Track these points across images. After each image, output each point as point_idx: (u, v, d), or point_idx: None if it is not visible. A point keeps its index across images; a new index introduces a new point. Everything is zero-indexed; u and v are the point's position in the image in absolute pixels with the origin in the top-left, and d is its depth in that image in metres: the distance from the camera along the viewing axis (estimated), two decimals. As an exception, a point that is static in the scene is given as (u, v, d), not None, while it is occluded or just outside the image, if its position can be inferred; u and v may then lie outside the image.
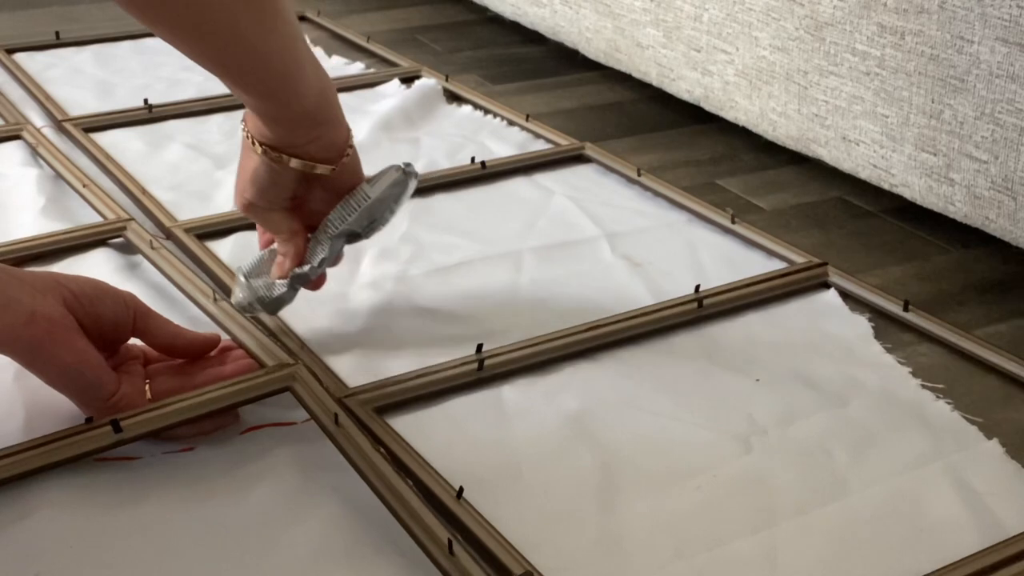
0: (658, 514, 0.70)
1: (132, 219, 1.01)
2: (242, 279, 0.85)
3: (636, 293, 0.94)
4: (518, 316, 0.90)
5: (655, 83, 1.32)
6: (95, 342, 0.73)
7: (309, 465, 0.73)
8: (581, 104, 1.38)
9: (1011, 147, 0.92)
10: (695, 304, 0.90)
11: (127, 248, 0.98)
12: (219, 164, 1.15)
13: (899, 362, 0.86)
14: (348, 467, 0.71)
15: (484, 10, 1.67)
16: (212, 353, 0.80)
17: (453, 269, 0.97)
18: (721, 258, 1.00)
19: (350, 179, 0.84)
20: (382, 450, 0.72)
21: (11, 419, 0.76)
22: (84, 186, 1.07)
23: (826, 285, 0.96)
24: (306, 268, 0.84)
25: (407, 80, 1.38)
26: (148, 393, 0.75)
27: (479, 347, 0.83)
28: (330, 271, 0.90)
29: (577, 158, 1.19)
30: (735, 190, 1.15)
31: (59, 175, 1.11)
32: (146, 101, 1.27)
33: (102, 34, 1.51)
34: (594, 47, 1.40)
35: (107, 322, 0.74)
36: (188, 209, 1.05)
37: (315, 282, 0.86)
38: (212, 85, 1.30)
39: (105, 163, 1.13)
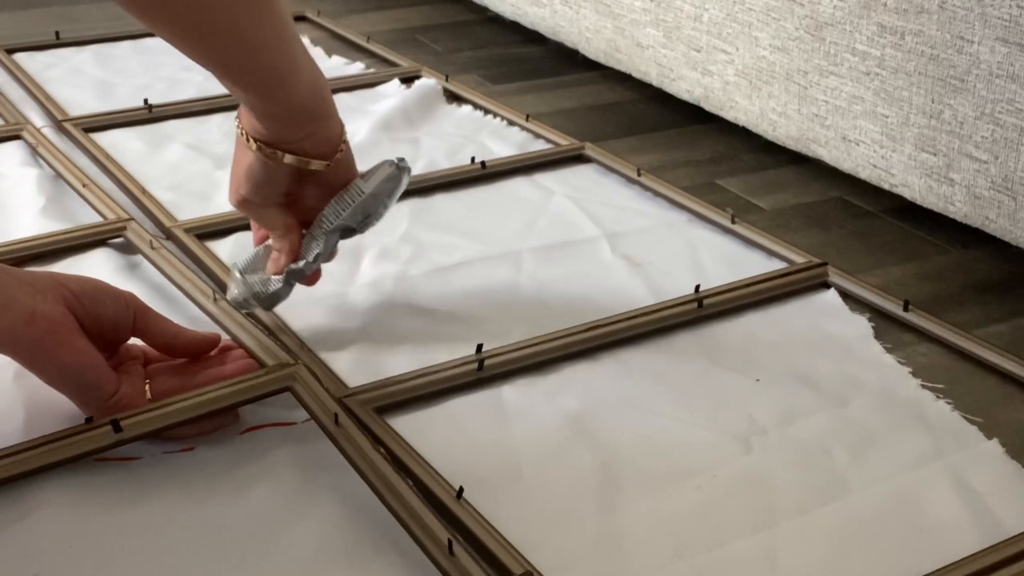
0: (658, 514, 0.70)
1: (132, 219, 1.01)
2: (237, 275, 0.86)
3: (636, 293, 0.94)
4: (518, 316, 0.90)
5: (655, 83, 1.32)
6: (95, 342, 0.73)
7: (309, 465, 0.73)
8: (581, 104, 1.38)
9: (1011, 147, 0.92)
10: (695, 304, 0.90)
11: (127, 248, 0.98)
12: (219, 164, 1.15)
13: (899, 362, 0.86)
14: (348, 467, 0.71)
15: (484, 10, 1.67)
16: (212, 353, 0.80)
17: (453, 269, 0.97)
18: (721, 258, 1.00)
19: (344, 175, 0.84)
20: (382, 450, 0.72)
21: (11, 419, 0.76)
22: (84, 186, 1.07)
23: (826, 285, 0.96)
24: (301, 264, 0.84)
25: (407, 80, 1.38)
26: (148, 393, 0.75)
27: (479, 347, 0.83)
28: (330, 271, 0.90)
29: (577, 158, 1.19)
30: (735, 190, 1.15)
31: (59, 175, 1.11)
32: (146, 101, 1.27)
33: (102, 34, 1.51)
34: (594, 47, 1.40)
35: (107, 322, 0.74)
36: (188, 209, 1.05)
37: (310, 277, 0.86)
38: (212, 85, 1.30)
39: (105, 163, 1.13)
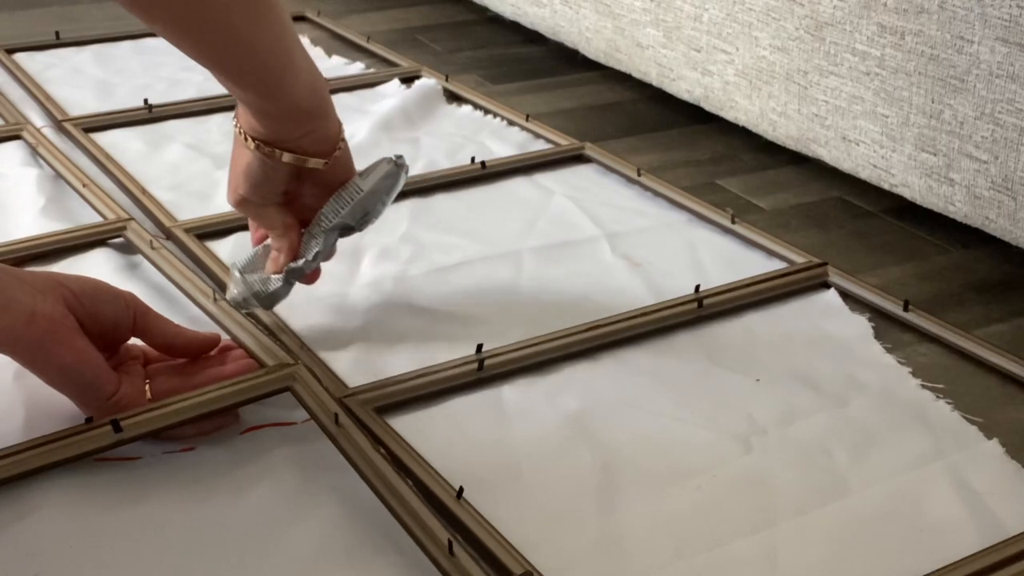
0: (658, 514, 0.70)
1: (132, 219, 1.01)
2: (237, 274, 0.86)
3: (636, 293, 0.94)
4: (518, 316, 0.90)
5: (655, 83, 1.32)
6: (95, 342, 0.73)
7: (309, 465, 0.73)
8: (581, 104, 1.38)
9: (1011, 147, 0.92)
10: (695, 304, 0.90)
11: (127, 248, 0.98)
12: (219, 164, 1.14)
13: (899, 362, 0.86)
14: (348, 467, 0.71)
15: (484, 10, 1.67)
16: (212, 353, 0.80)
17: (453, 269, 0.97)
18: (721, 258, 1.00)
19: (342, 173, 0.84)
20: (382, 450, 0.72)
21: (11, 419, 0.76)
22: (84, 186, 1.07)
23: (826, 285, 0.96)
24: (300, 262, 0.84)
25: (407, 80, 1.38)
26: (148, 393, 0.75)
27: (479, 347, 0.83)
28: (330, 271, 0.90)
29: (577, 158, 1.19)
30: (735, 190, 1.15)
31: (59, 175, 1.11)
32: (146, 101, 1.27)
33: (102, 34, 1.51)
34: (594, 47, 1.40)
35: (107, 322, 0.74)
36: (188, 209, 1.05)
37: (310, 276, 0.86)
38: (212, 85, 1.30)
39: (105, 163, 1.13)
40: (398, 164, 0.86)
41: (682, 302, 0.90)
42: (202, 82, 1.33)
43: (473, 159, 1.15)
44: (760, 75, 1.16)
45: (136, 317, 0.76)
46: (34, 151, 1.16)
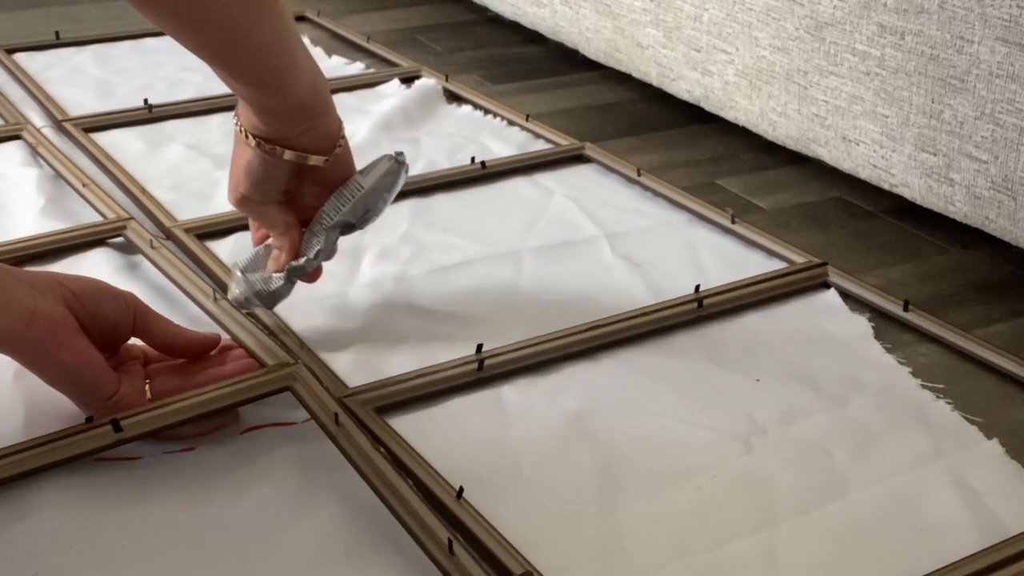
0: (658, 514, 0.70)
1: (132, 219, 1.01)
2: (239, 274, 0.85)
3: (636, 293, 0.94)
4: (518, 316, 0.90)
5: (655, 83, 1.32)
6: (95, 342, 0.73)
7: (309, 465, 0.73)
8: (581, 104, 1.38)
9: (1011, 147, 0.92)
10: (695, 304, 0.90)
11: (127, 248, 0.98)
12: (219, 164, 1.15)
13: (899, 362, 0.86)
14: (348, 467, 0.71)
15: (484, 10, 1.67)
16: (212, 353, 0.80)
17: (453, 269, 0.97)
18: (721, 258, 1.00)
19: (343, 171, 0.85)
20: (382, 450, 0.72)
21: (11, 419, 0.76)
22: (84, 186, 1.07)
23: (826, 285, 0.96)
24: (302, 260, 0.84)
25: (407, 80, 1.38)
26: (148, 393, 0.75)
27: (479, 347, 0.83)
28: (330, 271, 0.90)
29: (577, 158, 1.19)
30: (735, 190, 1.15)
31: (59, 175, 1.11)
32: (146, 101, 1.27)
33: (102, 34, 1.51)
34: (594, 47, 1.40)
35: (107, 322, 0.74)
36: (188, 209, 1.05)
37: (311, 275, 0.86)
38: (212, 85, 1.30)
39: (105, 163, 1.13)
40: (399, 161, 0.86)
41: (682, 302, 0.90)
42: (202, 82, 1.33)
43: (473, 159, 1.15)
44: (760, 75, 1.16)
45: (136, 317, 0.76)
46: (34, 151, 1.16)
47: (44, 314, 0.70)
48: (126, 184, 1.09)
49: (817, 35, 1.08)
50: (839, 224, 1.09)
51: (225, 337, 0.83)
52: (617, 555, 0.67)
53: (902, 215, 1.09)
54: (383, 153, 0.87)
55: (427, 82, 1.36)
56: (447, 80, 1.37)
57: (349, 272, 0.95)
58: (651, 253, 1.00)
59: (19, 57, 1.43)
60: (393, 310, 0.91)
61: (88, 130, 1.21)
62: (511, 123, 1.26)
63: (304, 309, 0.89)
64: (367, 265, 0.97)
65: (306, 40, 1.46)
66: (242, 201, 0.84)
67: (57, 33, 1.49)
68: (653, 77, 1.32)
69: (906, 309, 0.91)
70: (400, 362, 0.83)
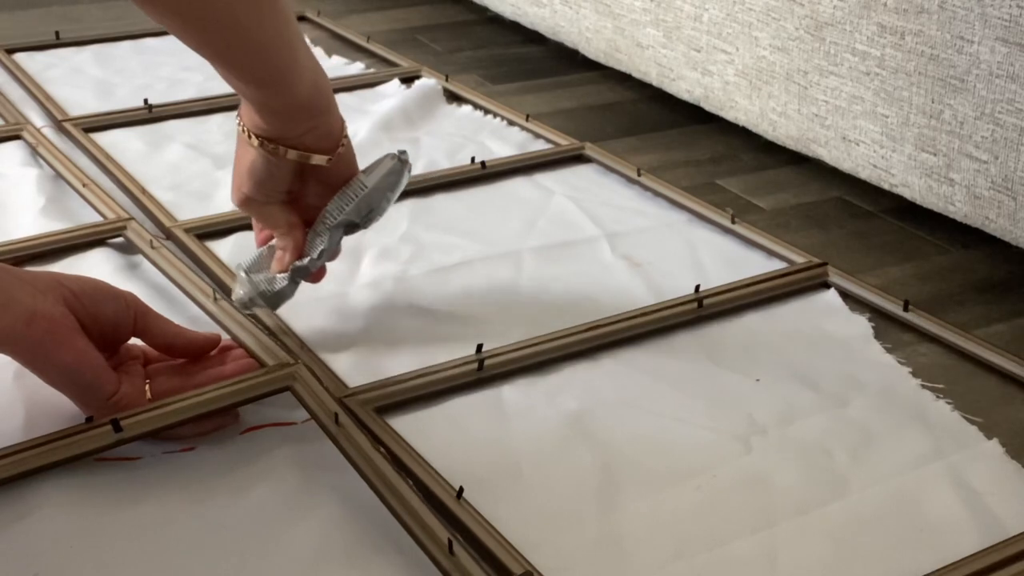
0: (658, 514, 0.70)
1: (132, 219, 1.01)
2: (242, 275, 0.85)
3: (636, 293, 0.94)
4: (518, 316, 0.90)
5: (655, 83, 1.32)
6: (95, 342, 0.73)
7: (309, 465, 0.73)
8: (581, 104, 1.38)
9: (1011, 147, 0.92)
10: (695, 304, 0.90)
11: (127, 248, 0.98)
12: (219, 164, 1.15)
13: (899, 362, 0.86)
14: (348, 467, 0.71)
15: (484, 10, 1.67)
16: (212, 353, 0.80)
17: (453, 269, 0.97)
18: (721, 258, 1.00)
19: (346, 171, 0.84)
20: (382, 450, 0.72)
21: (11, 419, 0.76)
22: (84, 186, 1.07)
23: (826, 285, 0.96)
24: (306, 261, 0.84)
25: (407, 80, 1.38)
26: (148, 393, 0.75)
27: (479, 347, 0.83)
28: (330, 271, 0.90)
29: (577, 158, 1.19)
30: (735, 190, 1.15)
31: (59, 175, 1.11)
32: (146, 101, 1.27)
33: (102, 34, 1.51)
34: (594, 47, 1.40)
35: (107, 322, 0.74)
36: (188, 209, 1.05)
37: (315, 275, 0.86)
38: (212, 85, 1.31)
39: (105, 163, 1.13)
40: (402, 160, 0.86)
41: (682, 302, 0.90)
42: (202, 82, 1.33)
43: (473, 159, 1.15)
44: (760, 75, 1.16)
45: (136, 317, 0.76)
46: (34, 151, 1.16)
47: (44, 314, 0.70)
48: (126, 184, 1.09)
49: (817, 35, 1.08)
50: (839, 224, 1.09)
51: (225, 337, 0.83)
52: (617, 555, 0.67)
53: (902, 215, 1.09)
54: (383, 153, 0.87)
55: (427, 82, 1.36)
56: (447, 80, 1.37)
57: (349, 272, 0.95)
58: (651, 253, 1.00)
59: (19, 57, 1.43)
60: (393, 310, 0.91)
61: (88, 130, 1.21)
62: (511, 123, 1.26)
63: (304, 309, 0.89)
64: (367, 265, 0.97)
65: (306, 40, 1.46)
66: (245, 202, 0.84)
67: (57, 33, 1.49)
68: (653, 77, 1.32)
69: (906, 309, 0.91)
70: (400, 362, 0.83)
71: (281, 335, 0.86)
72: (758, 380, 0.83)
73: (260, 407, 0.77)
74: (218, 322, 0.86)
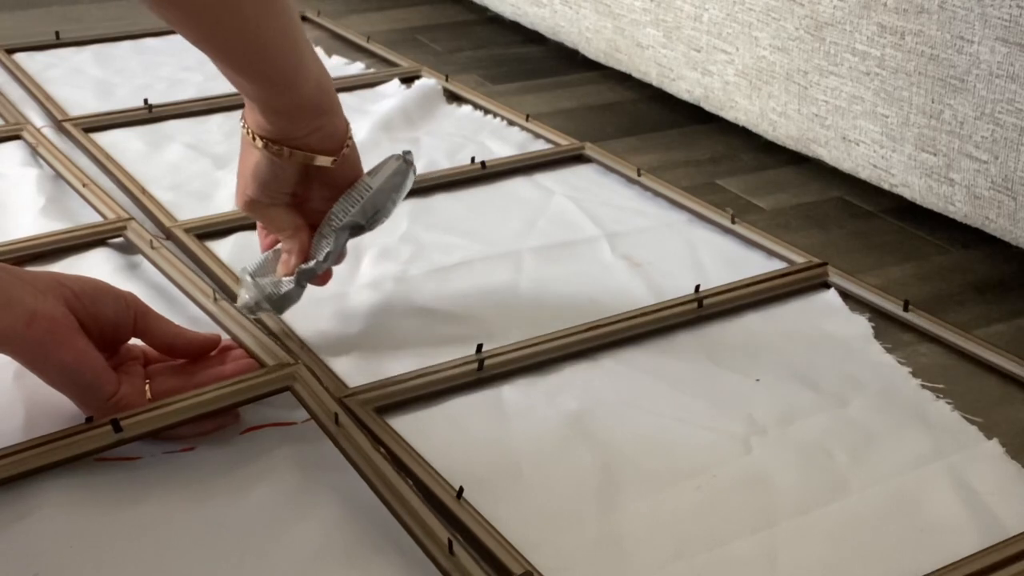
0: (658, 514, 0.70)
1: (132, 219, 1.01)
2: (248, 279, 0.85)
3: (636, 293, 0.94)
4: (518, 316, 0.90)
5: (655, 83, 1.32)
6: (96, 342, 0.73)
7: (309, 465, 0.73)
8: (581, 104, 1.38)
9: (1011, 147, 0.92)
10: (695, 304, 0.90)
11: (127, 248, 0.98)
12: (219, 164, 1.15)
13: (899, 362, 0.86)
14: (348, 467, 0.71)
15: (484, 10, 1.67)
16: (212, 353, 0.80)
17: (453, 269, 0.97)
18: (721, 258, 1.00)
19: (350, 173, 0.84)
20: (382, 450, 0.72)
21: (11, 419, 0.76)
22: (84, 186, 1.07)
23: (826, 285, 0.96)
24: (312, 263, 0.84)
25: (407, 80, 1.38)
26: (148, 393, 0.75)
27: (479, 347, 0.83)
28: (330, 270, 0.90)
29: (577, 158, 1.19)
30: (735, 190, 1.15)
31: (59, 175, 1.11)
32: (146, 101, 1.27)
33: (102, 34, 1.51)
34: (594, 47, 1.40)
35: (108, 322, 0.74)
36: (188, 209, 1.05)
37: (321, 277, 0.86)
38: (212, 85, 1.31)
39: (105, 163, 1.13)
40: (407, 161, 0.86)
41: (682, 302, 0.90)
42: (202, 82, 1.33)
43: (473, 159, 1.15)
44: (760, 75, 1.16)
45: (136, 317, 0.76)
46: (34, 151, 1.16)
47: (45, 314, 0.70)
48: (126, 184, 1.09)
49: (817, 35, 1.08)
50: (839, 224, 1.09)
51: (225, 337, 0.82)
52: (617, 555, 0.67)
53: (902, 215, 1.09)
54: (384, 153, 0.87)
55: (427, 82, 1.36)
56: (447, 80, 1.37)
57: (349, 272, 0.95)
58: (651, 253, 1.00)
59: (19, 57, 1.43)
60: (393, 310, 0.91)
61: (88, 130, 1.21)
62: (511, 123, 1.26)
63: (304, 309, 0.88)
64: (367, 265, 0.97)
65: (306, 40, 1.47)
66: (250, 204, 0.83)
67: (57, 33, 1.49)
68: (653, 77, 1.32)
69: (906, 309, 0.91)
70: (400, 362, 0.83)
71: (281, 335, 0.86)
72: (758, 380, 0.83)
73: (260, 407, 0.77)
74: (218, 322, 0.86)
